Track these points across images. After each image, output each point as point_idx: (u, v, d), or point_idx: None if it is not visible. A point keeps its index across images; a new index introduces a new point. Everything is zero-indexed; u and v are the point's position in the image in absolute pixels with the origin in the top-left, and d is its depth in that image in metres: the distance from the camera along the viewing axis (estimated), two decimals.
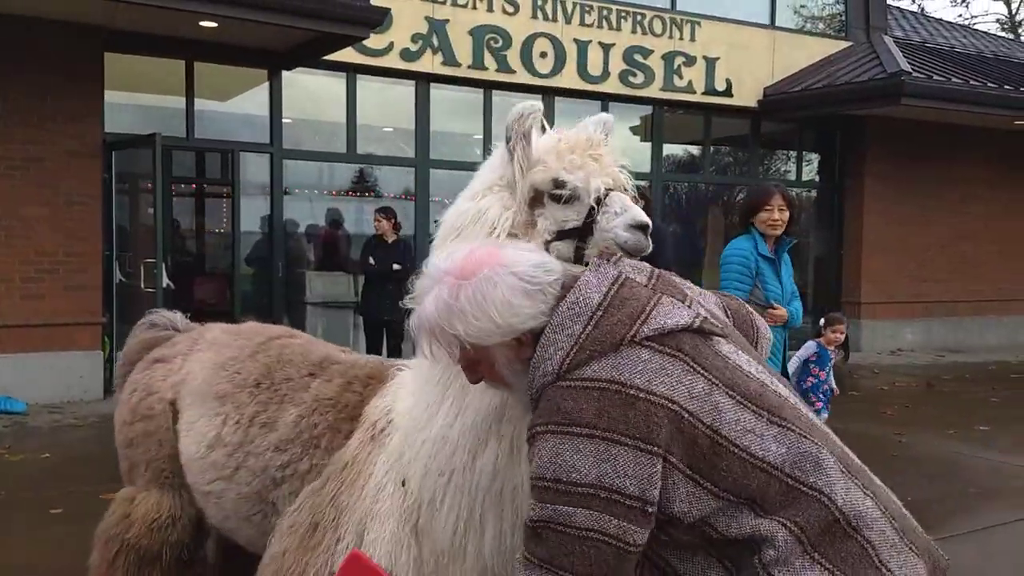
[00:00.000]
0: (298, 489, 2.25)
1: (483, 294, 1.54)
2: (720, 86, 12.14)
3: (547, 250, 1.94)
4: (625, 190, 1.98)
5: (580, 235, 1.92)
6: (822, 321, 6.87)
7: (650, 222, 1.91)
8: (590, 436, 1.42)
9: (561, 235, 1.93)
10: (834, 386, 6.80)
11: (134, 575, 2.67)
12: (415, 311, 1.63)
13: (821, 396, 6.56)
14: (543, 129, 2.04)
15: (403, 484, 2.03)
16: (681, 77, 11.85)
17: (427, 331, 1.61)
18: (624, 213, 1.88)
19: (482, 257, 1.59)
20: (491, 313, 1.53)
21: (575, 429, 1.42)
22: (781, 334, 4.73)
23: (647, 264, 1.73)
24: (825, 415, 6.63)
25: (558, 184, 1.91)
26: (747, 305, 1.96)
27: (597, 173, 1.89)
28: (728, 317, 1.82)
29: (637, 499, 1.41)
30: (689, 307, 1.59)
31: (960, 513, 5.28)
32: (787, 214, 4.77)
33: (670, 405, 1.45)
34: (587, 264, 1.94)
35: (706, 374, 1.50)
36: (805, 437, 1.50)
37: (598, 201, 1.90)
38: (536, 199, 1.96)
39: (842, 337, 6.70)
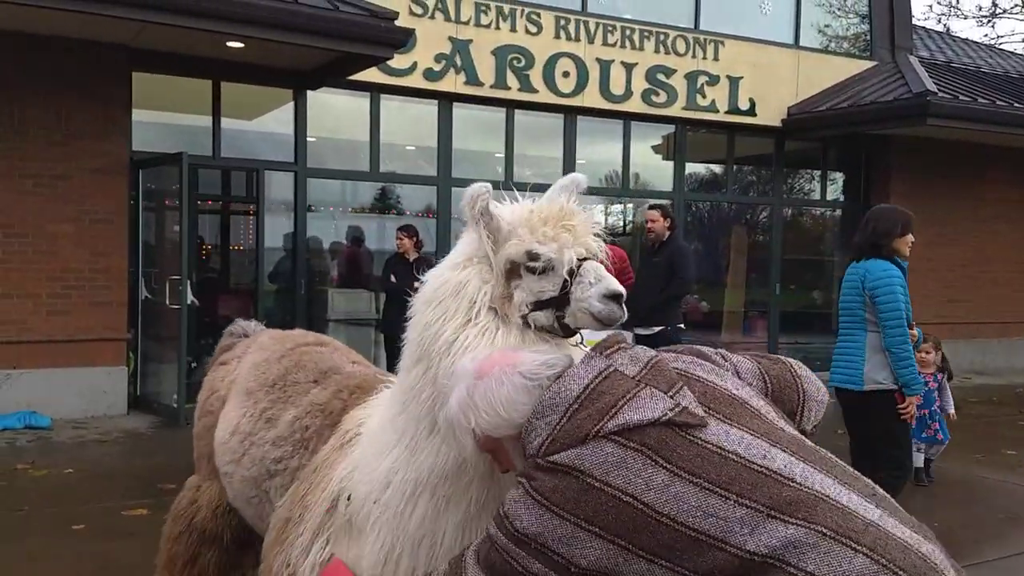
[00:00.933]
0: (288, 483, 2.49)
1: (492, 392, 1.74)
2: (744, 105, 12.12)
3: (526, 322, 2.01)
4: (600, 258, 2.02)
5: (557, 304, 1.97)
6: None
7: (623, 291, 1.93)
8: (539, 504, 1.61)
9: (539, 305, 1.99)
10: (951, 410, 6.62)
11: (195, 551, 3.00)
12: (446, 406, 1.87)
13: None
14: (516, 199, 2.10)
15: (348, 499, 2.18)
16: (704, 96, 11.84)
17: (450, 423, 1.84)
18: (598, 283, 1.93)
19: (497, 359, 1.80)
20: (498, 409, 1.73)
21: (535, 494, 1.63)
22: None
23: (649, 352, 1.78)
24: (923, 443, 6.51)
25: (532, 256, 1.97)
26: (794, 369, 1.96)
27: (570, 244, 1.94)
28: (767, 383, 1.89)
29: (562, 557, 1.59)
30: (672, 398, 1.66)
31: (989, 539, 5.19)
32: None
33: (623, 497, 1.57)
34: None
35: (668, 466, 1.59)
36: (776, 517, 1.55)
37: (571, 273, 1.94)
38: (513, 271, 2.01)
39: (929, 357, 6.54)
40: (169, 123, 9.81)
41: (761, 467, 1.59)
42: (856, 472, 1.69)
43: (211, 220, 11.84)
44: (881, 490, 1.68)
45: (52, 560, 4.73)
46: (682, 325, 7.66)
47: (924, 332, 7.23)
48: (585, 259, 1.95)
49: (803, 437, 1.76)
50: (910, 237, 4.77)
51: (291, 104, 9.76)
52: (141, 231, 9.13)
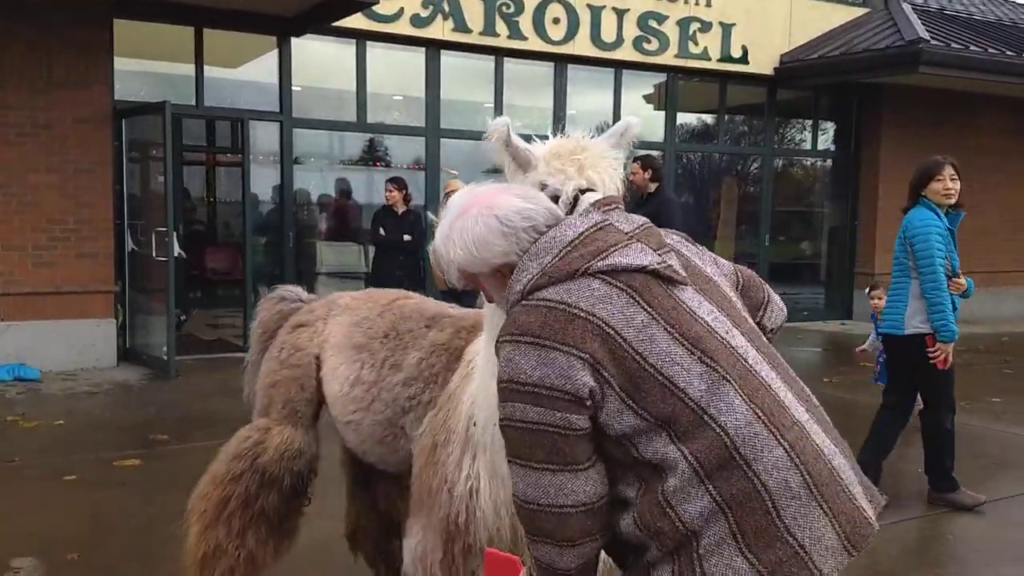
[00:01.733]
0: (422, 416, 2.79)
1: (468, 230, 1.83)
2: (736, 53, 11.99)
3: None
4: (598, 189, 2.20)
5: None
6: (867, 290, 6.77)
7: None
8: (533, 344, 1.68)
9: None
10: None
11: (255, 492, 3.14)
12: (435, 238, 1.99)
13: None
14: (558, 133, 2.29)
15: (474, 424, 2.47)
16: (696, 44, 11.70)
17: (436, 254, 1.93)
18: None
19: (477, 198, 1.89)
20: (470, 247, 1.83)
21: (524, 338, 1.69)
22: (959, 302, 5.21)
23: (643, 218, 1.90)
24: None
25: (541, 187, 2.18)
26: (758, 278, 2.15)
27: (574, 176, 2.14)
28: (739, 279, 2.06)
29: (572, 395, 1.65)
30: (659, 256, 1.77)
31: (973, 485, 5.26)
32: (958, 184, 4.97)
33: (606, 328, 1.67)
34: None
35: (648, 309, 1.70)
36: (728, 381, 1.67)
37: (570, 203, 2.14)
38: None
39: (879, 303, 6.50)
40: (152, 71, 9.65)
41: (723, 339, 1.73)
42: (795, 376, 1.83)
43: (197, 171, 11.73)
44: (815, 399, 1.81)
45: (44, 510, 4.75)
46: None
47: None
48: (586, 190, 2.11)
49: (760, 331, 1.90)
50: (938, 185, 4.93)
51: (275, 52, 9.60)
52: (126, 182, 9.03)
